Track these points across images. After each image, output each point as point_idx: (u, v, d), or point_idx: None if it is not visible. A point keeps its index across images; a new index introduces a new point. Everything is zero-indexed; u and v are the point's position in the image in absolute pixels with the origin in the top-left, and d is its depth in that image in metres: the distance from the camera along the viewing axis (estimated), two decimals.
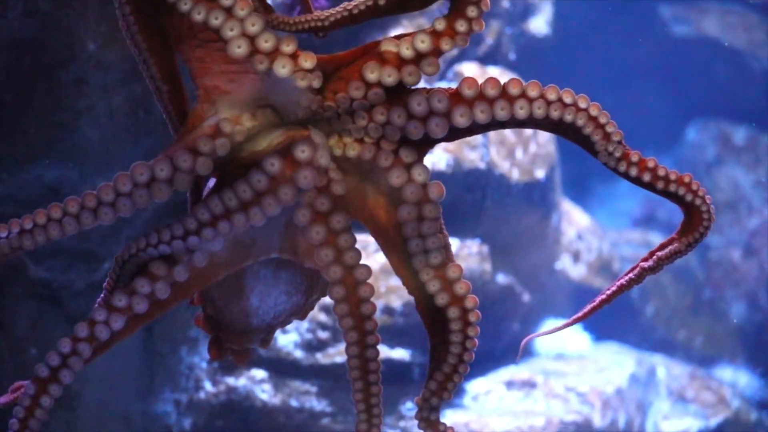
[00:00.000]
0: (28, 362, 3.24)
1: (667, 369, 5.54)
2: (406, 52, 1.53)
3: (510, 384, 4.76)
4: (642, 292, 6.36)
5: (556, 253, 5.56)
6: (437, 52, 1.53)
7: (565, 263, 5.70)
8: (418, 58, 1.53)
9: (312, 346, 4.17)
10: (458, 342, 1.59)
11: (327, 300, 1.71)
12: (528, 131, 4.86)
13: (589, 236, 5.87)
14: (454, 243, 4.39)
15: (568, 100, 1.55)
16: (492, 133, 4.62)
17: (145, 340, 3.88)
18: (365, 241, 1.71)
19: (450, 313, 1.58)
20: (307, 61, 1.52)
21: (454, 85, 1.55)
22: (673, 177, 1.61)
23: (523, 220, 4.96)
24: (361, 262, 1.58)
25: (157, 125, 3.09)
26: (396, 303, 4.22)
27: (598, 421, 4.67)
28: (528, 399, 4.72)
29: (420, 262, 1.58)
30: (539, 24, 5.64)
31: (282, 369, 4.16)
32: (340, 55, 1.57)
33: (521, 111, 1.54)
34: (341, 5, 1.54)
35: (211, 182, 1.65)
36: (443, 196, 1.57)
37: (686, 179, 1.62)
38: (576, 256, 5.77)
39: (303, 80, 1.52)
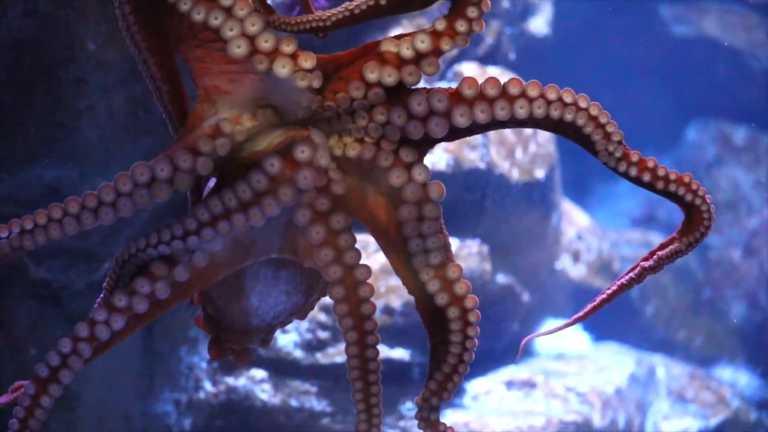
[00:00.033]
0: (28, 362, 3.24)
1: (666, 369, 5.54)
2: (406, 52, 1.53)
3: (510, 384, 4.77)
4: (642, 292, 6.36)
5: (555, 253, 5.56)
6: (437, 52, 1.53)
7: (564, 263, 5.70)
8: (418, 58, 1.53)
9: (312, 346, 4.17)
10: (458, 342, 1.59)
11: (327, 300, 1.71)
12: (528, 131, 4.86)
13: (588, 236, 5.87)
14: (454, 243, 4.39)
15: (568, 99, 1.55)
16: (492, 133, 4.62)
17: (145, 340, 3.89)
18: (365, 241, 1.71)
19: (450, 313, 1.58)
20: (307, 61, 1.52)
21: (454, 85, 1.55)
22: (672, 177, 1.61)
23: (523, 220, 4.96)
24: (361, 262, 1.58)
25: (157, 125, 3.10)
26: (396, 303, 4.22)
27: (597, 421, 4.67)
28: (528, 399, 4.72)
29: (420, 261, 1.58)
30: (539, 24, 5.64)
31: (282, 369, 4.16)
32: (340, 55, 1.57)
33: (521, 111, 1.54)
34: (342, 5, 1.54)
35: (212, 182, 1.65)
36: (443, 196, 1.57)
37: (686, 179, 1.62)
38: (576, 256, 5.77)
39: (303, 80, 1.52)
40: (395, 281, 4.11)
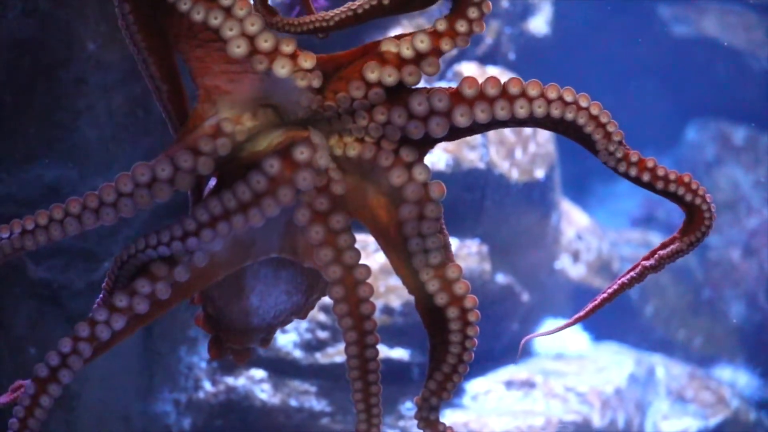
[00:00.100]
0: (27, 362, 3.24)
1: (666, 369, 5.53)
2: (407, 52, 1.53)
3: (509, 384, 4.76)
4: (641, 292, 6.36)
5: (555, 252, 5.56)
6: (437, 52, 1.53)
7: (564, 263, 5.70)
8: (419, 58, 1.53)
9: (311, 345, 4.17)
10: (458, 342, 1.59)
11: (326, 300, 1.71)
12: (527, 131, 4.86)
13: (588, 236, 5.87)
14: (454, 243, 4.38)
15: (568, 98, 1.55)
16: (491, 133, 4.62)
17: (145, 340, 3.88)
18: (365, 240, 1.71)
19: (449, 312, 1.58)
20: (307, 61, 1.52)
21: (454, 85, 1.55)
22: (672, 177, 1.61)
23: (522, 219, 4.96)
24: (361, 261, 1.58)
25: (157, 125, 3.10)
26: (395, 303, 4.22)
27: (597, 421, 4.67)
28: (527, 399, 4.72)
29: (420, 261, 1.58)
30: (539, 24, 5.64)
31: (281, 369, 4.16)
32: (340, 55, 1.57)
33: (521, 110, 1.54)
34: (345, 5, 1.54)
35: (212, 182, 1.65)
36: (444, 196, 1.57)
37: (686, 179, 1.62)
38: (575, 256, 5.77)
39: (303, 80, 1.52)
40: (395, 281, 4.11)
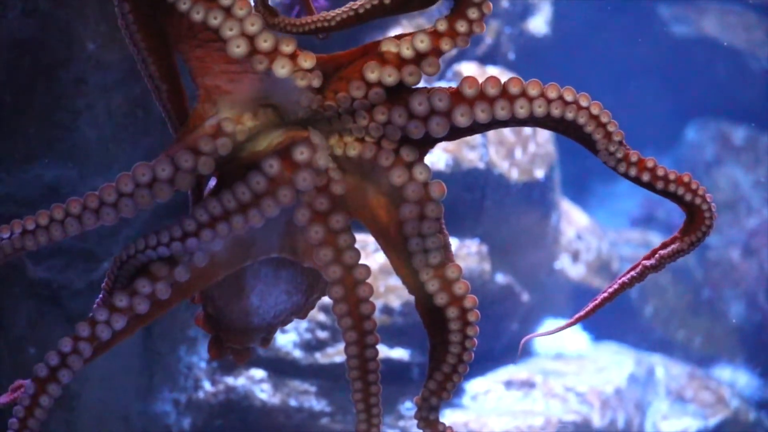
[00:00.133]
0: (27, 362, 3.24)
1: (666, 369, 5.54)
2: (407, 52, 1.53)
3: (509, 384, 4.77)
4: (641, 292, 6.36)
5: (555, 252, 5.56)
6: (437, 52, 1.53)
7: (564, 263, 5.70)
8: (419, 58, 1.53)
9: (311, 345, 4.17)
10: (457, 342, 1.59)
11: (326, 300, 1.71)
12: (527, 130, 4.87)
13: (588, 236, 5.87)
14: (454, 243, 4.38)
15: (569, 98, 1.55)
16: (491, 133, 4.62)
17: (145, 340, 3.88)
18: (364, 240, 1.71)
19: (449, 312, 1.58)
20: (307, 60, 1.52)
21: (454, 85, 1.55)
22: (672, 177, 1.61)
23: (522, 219, 4.96)
24: (361, 261, 1.58)
25: (157, 125, 3.10)
26: (395, 303, 4.22)
27: (597, 420, 4.67)
28: (527, 399, 4.72)
29: (420, 261, 1.58)
30: (538, 24, 5.64)
31: (281, 369, 4.16)
32: (340, 55, 1.57)
33: (522, 110, 1.54)
34: (347, 5, 1.54)
35: (212, 182, 1.65)
36: (444, 195, 1.57)
37: (686, 179, 1.62)
38: (575, 256, 5.77)
39: (302, 80, 1.52)
40: (394, 281, 4.11)
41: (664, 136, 6.88)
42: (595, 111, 1.56)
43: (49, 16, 2.75)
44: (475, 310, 1.60)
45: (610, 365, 5.19)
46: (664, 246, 1.68)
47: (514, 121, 1.56)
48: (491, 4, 1.53)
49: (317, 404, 4.16)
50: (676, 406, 5.38)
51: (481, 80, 1.54)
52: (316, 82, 1.53)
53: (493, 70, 4.87)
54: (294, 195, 1.53)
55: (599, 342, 5.57)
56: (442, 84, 2.63)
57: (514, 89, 1.54)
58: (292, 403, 4.14)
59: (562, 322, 1.77)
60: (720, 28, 6.84)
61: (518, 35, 5.42)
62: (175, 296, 1.60)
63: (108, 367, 3.57)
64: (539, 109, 1.54)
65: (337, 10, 1.54)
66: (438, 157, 4.40)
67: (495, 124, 1.56)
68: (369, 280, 1.58)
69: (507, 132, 4.73)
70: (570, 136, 1.59)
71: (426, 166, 1.57)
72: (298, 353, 4.17)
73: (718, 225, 1.65)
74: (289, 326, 3.31)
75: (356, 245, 1.58)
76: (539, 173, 4.91)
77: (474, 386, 4.72)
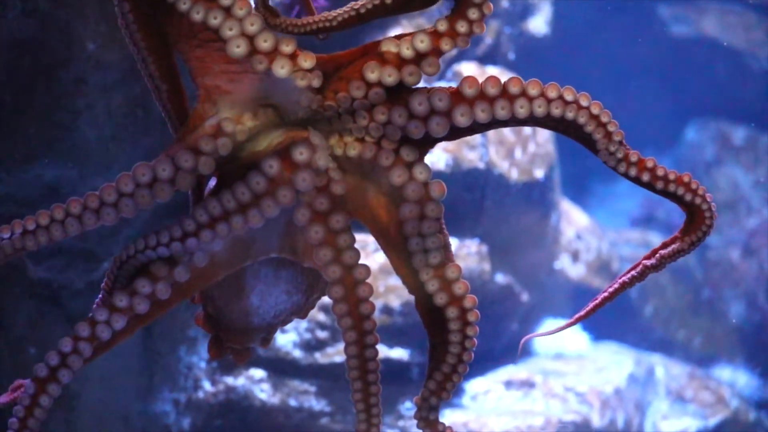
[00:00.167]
0: (27, 362, 3.24)
1: (665, 369, 5.54)
2: (407, 52, 1.53)
3: (509, 384, 4.77)
4: (641, 292, 6.36)
5: (555, 252, 5.56)
6: (437, 52, 1.53)
7: (564, 263, 5.70)
8: (419, 58, 1.53)
9: (311, 345, 4.18)
10: (457, 342, 1.59)
11: (326, 299, 1.71)
12: (527, 130, 4.87)
13: (588, 236, 5.87)
14: (454, 243, 4.38)
15: (569, 98, 1.55)
16: (491, 133, 4.62)
17: (145, 340, 3.88)
18: (364, 240, 1.71)
19: (449, 312, 1.58)
20: (306, 60, 1.52)
21: (454, 85, 1.56)
22: (672, 177, 1.62)
23: (522, 219, 4.96)
24: (361, 261, 1.58)
25: (157, 125, 3.09)
26: (395, 302, 4.22)
27: (596, 420, 4.67)
28: (527, 399, 4.72)
29: (419, 261, 1.58)
30: (538, 24, 5.64)
31: (281, 368, 4.16)
32: (340, 55, 1.58)
33: (522, 110, 1.54)
34: (348, 5, 1.54)
35: (212, 182, 1.65)
36: (444, 195, 1.57)
37: (685, 179, 1.62)
38: (575, 256, 5.77)
39: (302, 80, 1.52)
40: (394, 281, 4.11)
41: (664, 136, 6.88)
42: (595, 111, 1.56)
43: (49, 16, 2.75)
44: (475, 310, 1.60)
45: (610, 365, 5.19)
46: (664, 246, 1.68)
47: (514, 121, 1.56)
48: (492, 5, 1.53)
49: (317, 404, 4.16)
50: (675, 406, 5.38)
51: (481, 80, 1.54)
52: (316, 82, 1.53)
53: (493, 70, 4.87)
54: (294, 195, 1.53)
55: (599, 342, 5.57)
56: (442, 84, 2.63)
57: (514, 89, 1.54)
58: (292, 403, 4.14)
59: (562, 322, 1.77)
60: (720, 28, 6.84)
61: (518, 35, 5.42)
62: (175, 296, 1.60)
63: (108, 367, 3.57)
64: (539, 109, 1.54)
65: (339, 10, 1.54)
66: (438, 157, 4.40)
67: (495, 123, 1.56)
68: (369, 280, 1.58)
69: (507, 132, 4.73)
70: (570, 135, 1.59)
71: (426, 165, 1.57)
72: (297, 353, 4.17)
73: (718, 225, 1.65)
74: (289, 326, 3.31)
75: (356, 245, 1.58)
76: (539, 173, 4.91)
77: (474, 386, 4.72)
